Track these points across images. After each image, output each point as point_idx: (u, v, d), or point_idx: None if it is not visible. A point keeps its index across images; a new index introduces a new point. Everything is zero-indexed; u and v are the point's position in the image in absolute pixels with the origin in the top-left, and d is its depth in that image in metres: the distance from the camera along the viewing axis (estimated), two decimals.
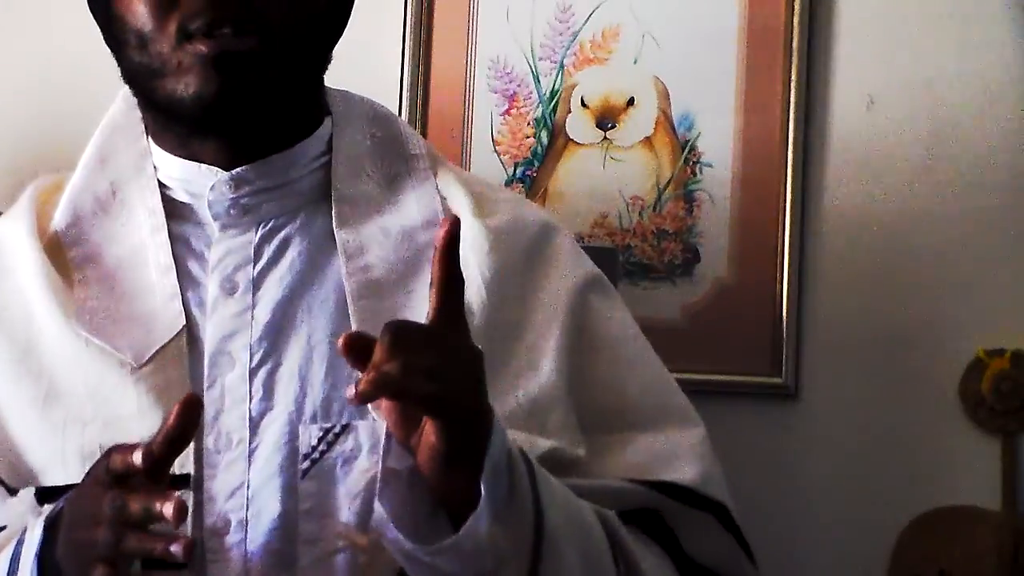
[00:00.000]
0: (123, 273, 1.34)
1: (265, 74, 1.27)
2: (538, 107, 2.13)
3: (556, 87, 2.13)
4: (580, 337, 1.36)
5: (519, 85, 2.13)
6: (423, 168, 1.40)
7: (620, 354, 1.38)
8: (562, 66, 2.12)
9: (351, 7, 1.38)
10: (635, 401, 1.37)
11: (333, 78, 1.39)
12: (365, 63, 2.11)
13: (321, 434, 1.26)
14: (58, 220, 1.38)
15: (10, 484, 1.29)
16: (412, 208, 1.37)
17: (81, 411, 1.28)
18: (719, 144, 2.09)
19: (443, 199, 1.37)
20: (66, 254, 1.36)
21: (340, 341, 1.13)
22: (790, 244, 2.06)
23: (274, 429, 1.26)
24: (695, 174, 2.10)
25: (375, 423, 1.24)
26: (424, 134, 2.07)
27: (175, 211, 1.36)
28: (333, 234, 1.33)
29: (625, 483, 1.31)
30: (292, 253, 1.33)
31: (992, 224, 2.05)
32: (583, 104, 2.12)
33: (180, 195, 1.36)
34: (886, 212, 2.07)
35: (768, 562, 2.07)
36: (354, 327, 1.27)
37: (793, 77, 2.07)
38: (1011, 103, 2.06)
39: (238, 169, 1.32)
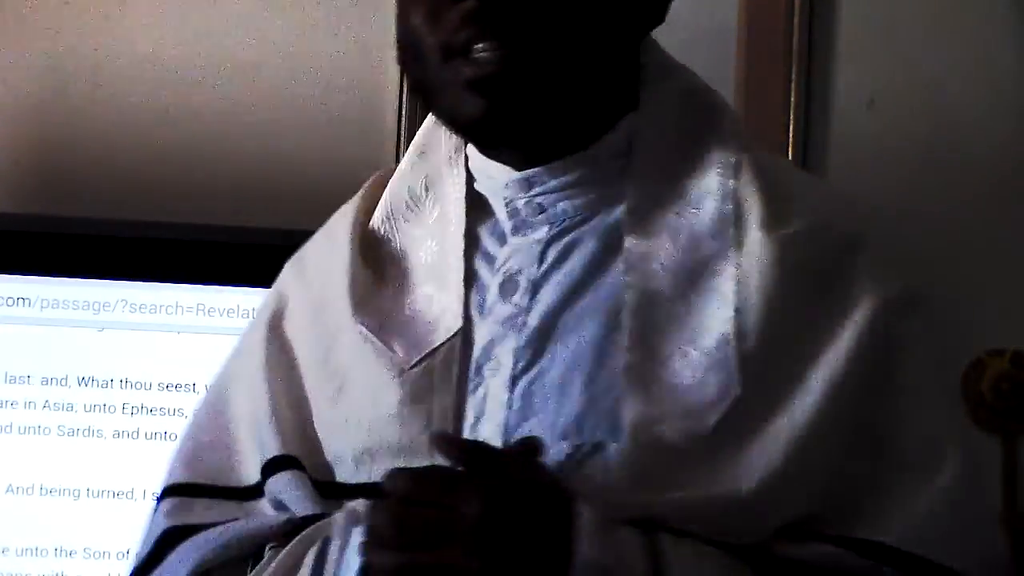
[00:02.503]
0: (420, 271, 1.32)
1: (534, 87, 1.22)
2: None
3: None
4: (870, 370, 1.22)
5: None
6: (728, 165, 1.29)
7: (913, 393, 1.24)
8: None
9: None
10: (897, 445, 1.23)
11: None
12: (364, 64, 2.12)
13: (571, 451, 1.20)
14: (376, 215, 1.37)
15: (314, 477, 1.28)
16: (706, 211, 1.27)
17: (359, 411, 1.27)
18: None
19: (738, 205, 1.27)
20: (379, 250, 1.35)
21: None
22: None
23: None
24: None
25: (630, 447, 1.19)
26: None
27: (477, 205, 1.33)
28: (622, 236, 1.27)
29: (841, 551, 1.18)
30: (577, 256, 1.28)
31: (992, 224, 2.05)
32: None
33: (483, 188, 1.33)
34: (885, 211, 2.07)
35: None
36: (627, 341, 1.22)
37: (793, 77, 2.07)
38: (1011, 103, 2.05)
39: (530, 171, 1.29)
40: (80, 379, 1.91)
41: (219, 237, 1.93)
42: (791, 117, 2.07)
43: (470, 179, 1.34)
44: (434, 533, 1.08)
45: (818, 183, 1.43)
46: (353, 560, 1.16)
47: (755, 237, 1.24)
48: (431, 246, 1.33)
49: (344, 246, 1.35)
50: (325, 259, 1.38)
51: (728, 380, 1.20)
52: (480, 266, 1.31)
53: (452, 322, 1.27)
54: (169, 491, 1.36)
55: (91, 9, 2.16)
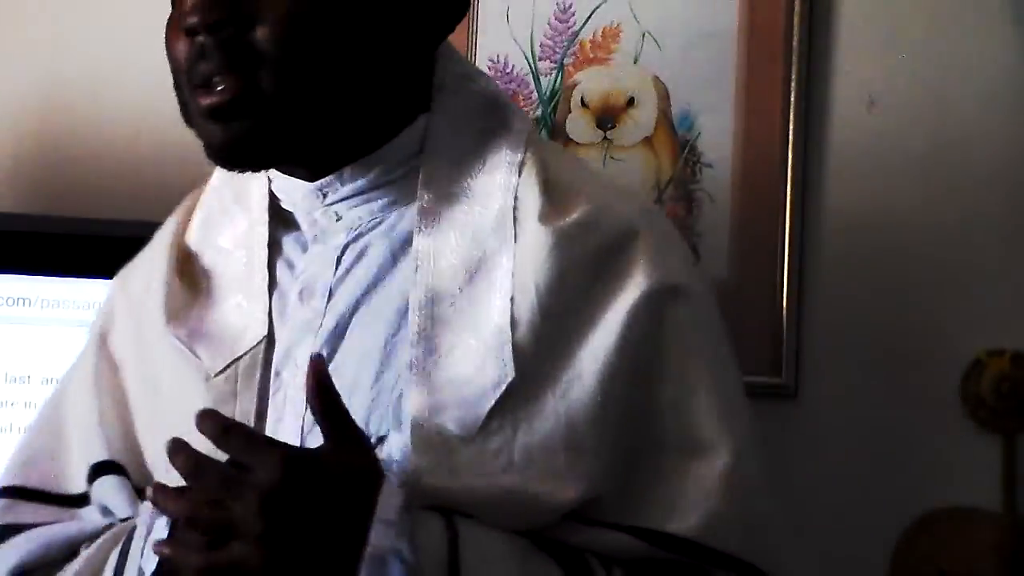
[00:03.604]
0: (232, 282, 1.37)
1: (271, 112, 1.24)
2: (538, 107, 2.13)
3: (556, 87, 2.13)
4: (640, 356, 1.26)
5: (519, 85, 2.13)
6: (513, 163, 1.32)
7: (682, 379, 1.28)
8: (562, 66, 2.12)
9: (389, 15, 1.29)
10: (670, 430, 1.27)
11: None
12: None
13: None
14: (191, 228, 1.42)
15: (136, 482, 1.33)
16: (491, 208, 1.30)
17: (168, 417, 1.31)
18: (719, 144, 2.09)
19: (516, 200, 1.30)
20: (195, 263, 1.40)
21: (196, 421, 1.13)
22: (790, 244, 2.06)
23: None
24: (695, 174, 2.10)
25: (407, 436, 1.22)
26: None
27: (282, 218, 1.37)
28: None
29: (624, 536, 1.23)
30: (369, 259, 1.32)
31: (992, 224, 2.05)
32: (583, 104, 2.12)
33: (285, 203, 1.37)
34: (886, 212, 2.07)
35: None
36: (412, 335, 1.26)
37: (793, 77, 2.07)
38: (1011, 103, 2.05)
39: (321, 180, 1.32)
40: None
41: None
42: (791, 117, 2.07)
43: (273, 196, 1.38)
44: (217, 528, 1.11)
45: (597, 174, 1.49)
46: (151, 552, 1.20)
47: (531, 228, 1.28)
48: (240, 257, 1.37)
49: (161, 260, 1.40)
50: (146, 273, 1.42)
51: (502, 368, 1.23)
52: (283, 275, 1.35)
53: (258, 329, 1.32)
54: (2, 492, 1.40)
55: (91, 11, 2.17)
